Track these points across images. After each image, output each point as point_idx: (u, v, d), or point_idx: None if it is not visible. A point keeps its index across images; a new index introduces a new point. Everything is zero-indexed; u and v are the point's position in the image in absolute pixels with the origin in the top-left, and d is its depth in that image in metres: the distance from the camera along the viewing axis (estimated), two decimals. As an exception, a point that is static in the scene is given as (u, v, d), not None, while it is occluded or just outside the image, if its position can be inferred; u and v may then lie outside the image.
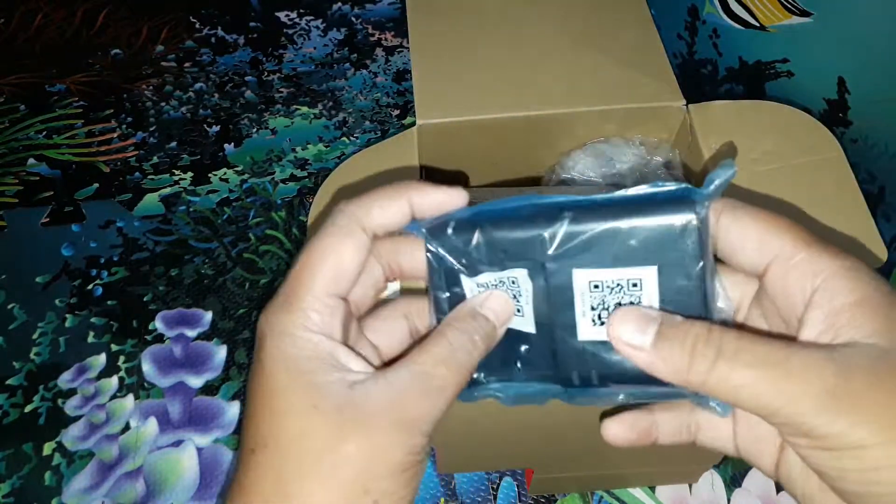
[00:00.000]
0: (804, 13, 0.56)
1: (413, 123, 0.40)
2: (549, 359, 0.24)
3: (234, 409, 0.55)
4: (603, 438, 0.27)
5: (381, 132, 0.73)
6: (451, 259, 0.24)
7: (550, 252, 0.23)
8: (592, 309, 0.23)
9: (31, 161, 0.73)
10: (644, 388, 0.23)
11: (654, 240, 0.22)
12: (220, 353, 0.58)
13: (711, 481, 0.49)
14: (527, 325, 0.24)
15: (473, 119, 0.40)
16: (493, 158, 0.44)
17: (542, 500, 0.50)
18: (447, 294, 0.25)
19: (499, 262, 0.24)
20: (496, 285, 0.24)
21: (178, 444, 0.53)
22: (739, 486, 0.49)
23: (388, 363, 0.24)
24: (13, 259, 0.66)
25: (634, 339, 0.21)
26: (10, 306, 0.62)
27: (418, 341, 0.25)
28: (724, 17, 0.63)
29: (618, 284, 0.22)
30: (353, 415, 0.21)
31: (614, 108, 0.41)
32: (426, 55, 0.44)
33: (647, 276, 0.22)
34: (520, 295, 0.24)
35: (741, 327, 0.23)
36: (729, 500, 0.49)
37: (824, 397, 0.19)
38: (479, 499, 0.50)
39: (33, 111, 0.77)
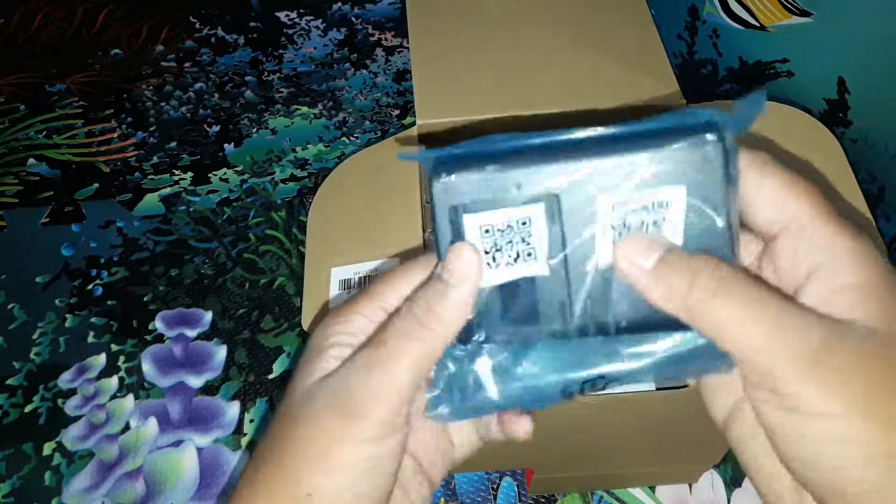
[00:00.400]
0: (804, 13, 0.56)
1: (413, 123, 0.40)
2: (562, 302, 0.23)
3: (233, 409, 0.55)
4: (602, 439, 0.27)
5: (381, 132, 0.73)
6: (457, 194, 0.22)
7: (569, 182, 0.22)
8: (613, 228, 0.22)
9: (31, 161, 0.73)
10: (651, 343, 0.22)
11: (680, 162, 0.21)
12: (220, 353, 0.58)
13: (711, 481, 0.49)
14: (539, 268, 0.23)
15: (473, 119, 0.40)
16: None
17: (542, 500, 0.50)
18: (449, 238, 0.23)
19: (511, 199, 0.22)
20: (502, 230, 0.22)
21: (178, 444, 0.53)
22: (739, 486, 0.49)
23: None
24: (13, 259, 0.66)
25: (637, 258, 0.21)
26: (10, 306, 0.62)
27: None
28: (724, 17, 0.63)
29: (643, 206, 0.22)
30: (301, 409, 0.22)
31: (614, 108, 0.41)
32: (426, 55, 0.44)
33: (674, 197, 0.21)
34: (529, 236, 0.23)
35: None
36: (729, 500, 0.49)
37: (805, 359, 0.19)
38: (479, 499, 0.50)
39: (33, 111, 0.78)
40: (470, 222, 0.22)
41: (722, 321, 0.20)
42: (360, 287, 0.35)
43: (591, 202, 0.22)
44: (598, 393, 0.24)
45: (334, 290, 0.36)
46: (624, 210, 0.22)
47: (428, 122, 0.40)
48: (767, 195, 0.21)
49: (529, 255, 0.23)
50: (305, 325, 0.35)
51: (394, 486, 0.23)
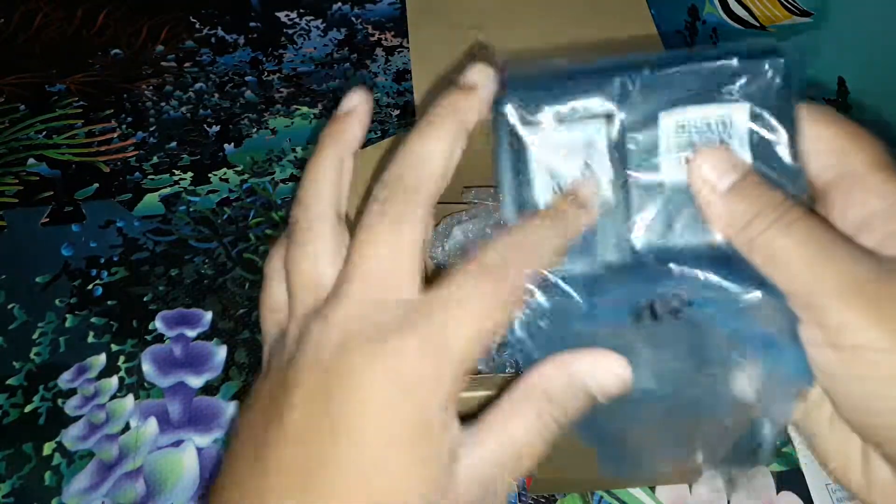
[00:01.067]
0: (804, 13, 0.56)
1: (413, 123, 0.40)
2: (619, 233, 0.22)
3: (233, 409, 0.55)
4: None
5: (380, 132, 0.73)
6: (519, 117, 0.23)
7: (632, 100, 0.22)
8: (679, 149, 0.22)
9: (31, 161, 0.73)
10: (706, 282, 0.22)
11: (742, 78, 0.21)
12: (221, 353, 0.58)
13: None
14: (602, 191, 0.23)
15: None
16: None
17: (542, 501, 0.50)
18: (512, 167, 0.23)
19: (571, 118, 0.22)
20: (566, 154, 0.22)
21: (178, 444, 0.53)
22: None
23: None
24: (13, 259, 0.66)
25: (712, 176, 0.21)
26: (10, 306, 0.62)
27: None
28: (724, 16, 0.63)
29: (706, 124, 0.21)
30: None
31: None
32: (426, 57, 0.44)
33: (738, 114, 0.21)
34: (592, 158, 0.22)
35: None
36: (729, 501, 0.48)
37: (852, 289, 0.19)
38: (479, 499, 0.50)
39: (33, 111, 0.77)
40: (536, 144, 0.23)
41: (776, 254, 0.20)
42: None
43: (653, 121, 0.21)
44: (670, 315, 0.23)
45: None
46: (689, 129, 0.21)
47: None
48: (828, 142, 0.21)
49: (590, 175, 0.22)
50: None
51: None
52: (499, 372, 0.25)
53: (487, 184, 0.45)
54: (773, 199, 0.20)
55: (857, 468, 0.21)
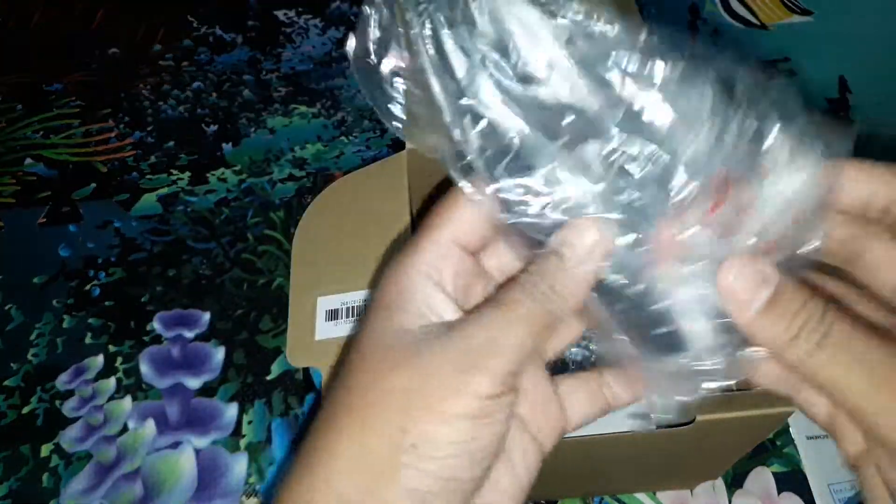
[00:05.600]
0: (805, 12, 0.56)
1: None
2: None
3: (232, 410, 0.55)
4: (599, 458, 0.26)
5: (379, 131, 0.73)
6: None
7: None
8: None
9: (29, 161, 0.73)
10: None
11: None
12: (219, 353, 0.58)
13: (712, 483, 0.49)
14: None
15: None
16: None
17: (543, 503, 0.49)
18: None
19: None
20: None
21: (176, 445, 0.53)
22: (741, 486, 0.49)
23: None
24: (10, 259, 0.65)
25: (744, 295, 0.20)
26: (7, 307, 0.62)
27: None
28: (725, 15, 0.63)
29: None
30: (406, 358, 0.21)
31: None
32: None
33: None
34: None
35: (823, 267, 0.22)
36: (730, 502, 0.48)
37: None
38: None
39: (30, 111, 0.77)
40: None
41: (827, 380, 0.19)
42: (349, 317, 0.35)
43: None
44: None
45: (321, 321, 0.35)
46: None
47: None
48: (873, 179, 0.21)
49: None
50: (290, 359, 0.34)
51: (499, 451, 0.22)
52: None
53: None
54: (814, 313, 0.19)
55: None
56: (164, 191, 0.69)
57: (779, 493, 0.48)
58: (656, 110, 0.20)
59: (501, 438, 0.22)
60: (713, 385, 0.21)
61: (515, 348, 0.21)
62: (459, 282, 0.23)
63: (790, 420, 0.51)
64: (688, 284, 0.21)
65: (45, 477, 0.52)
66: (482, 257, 0.25)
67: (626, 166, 0.21)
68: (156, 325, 0.60)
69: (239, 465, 0.52)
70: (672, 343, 0.21)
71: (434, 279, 0.23)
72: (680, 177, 0.20)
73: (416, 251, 0.23)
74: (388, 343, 0.22)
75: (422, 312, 0.22)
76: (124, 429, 0.54)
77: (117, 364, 0.58)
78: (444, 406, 0.20)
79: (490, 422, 0.21)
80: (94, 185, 0.71)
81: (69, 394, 0.56)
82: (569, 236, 0.21)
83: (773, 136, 0.20)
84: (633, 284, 0.21)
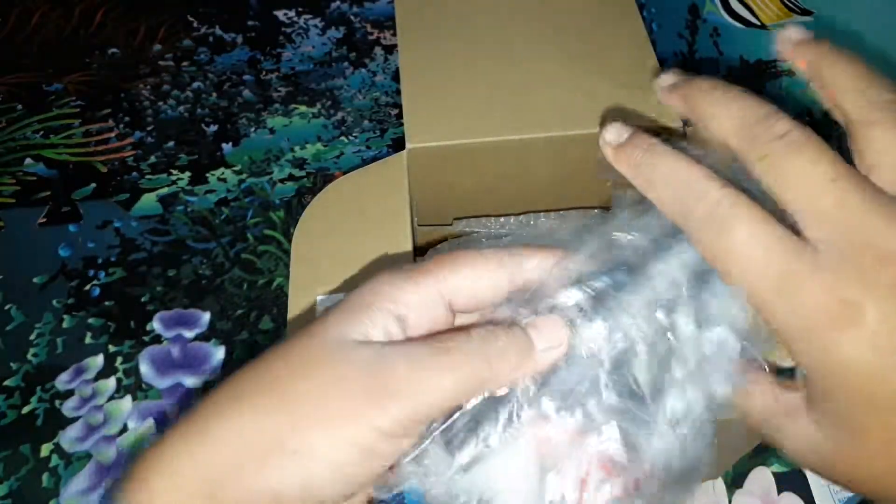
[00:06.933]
0: (805, 12, 0.56)
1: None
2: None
3: (232, 410, 0.55)
4: None
5: (380, 131, 0.73)
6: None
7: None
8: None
9: (28, 161, 0.73)
10: None
11: None
12: (218, 353, 0.58)
13: (713, 483, 0.49)
14: None
15: (465, 143, 0.40)
16: (485, 184, 0.43)
17: None
18: None
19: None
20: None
21: (176, 445, 0.53)
22: (741, 486, 0.49)
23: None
24: (10, 259, 0.65)
25: None
26: (7, 307, 0.62)
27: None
28: (725, 15, 0.63)
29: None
30: (324, 362, 0.21)
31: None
32: (416, 77, 0.43)
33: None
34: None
35: None
36: (730, 502, 0.48)
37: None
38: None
39: (30, 111, 0.77)
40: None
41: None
42: None
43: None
44: None
45: None
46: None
47: (419, 147, 0.39)
48: (849, 83, 0.23)
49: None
50: None
51: (370, 485, 0.22)
52: None
53: (476, 215, 0.45)
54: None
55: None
56: (164, 191, 0.69)
57: (779, 493, 0.48)
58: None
59: (379, 477, 0.21)
60: None
61: (435, 395, 0.20)
62: (423, 327, 0.23)
63: (790, 420, 0.51)
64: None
65: (45, 477, 0.52)
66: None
67: None
68: (156, 324, 0.60)
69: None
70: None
71: (400, 314, 0.22)
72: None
73: (402, 283, 0.22)
74: (318, 343, 0.21)
75: (367, 332, 0.21)
76: (124, 429, 0.54)
77: (117, 364, 0.58)
78: (339, 427, 0.20)
79: (376, 458, 0.20)
80: (93, 185, 0.71)
81: (69, 394, 0.56)
82: (543, 324, 0.22)
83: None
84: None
